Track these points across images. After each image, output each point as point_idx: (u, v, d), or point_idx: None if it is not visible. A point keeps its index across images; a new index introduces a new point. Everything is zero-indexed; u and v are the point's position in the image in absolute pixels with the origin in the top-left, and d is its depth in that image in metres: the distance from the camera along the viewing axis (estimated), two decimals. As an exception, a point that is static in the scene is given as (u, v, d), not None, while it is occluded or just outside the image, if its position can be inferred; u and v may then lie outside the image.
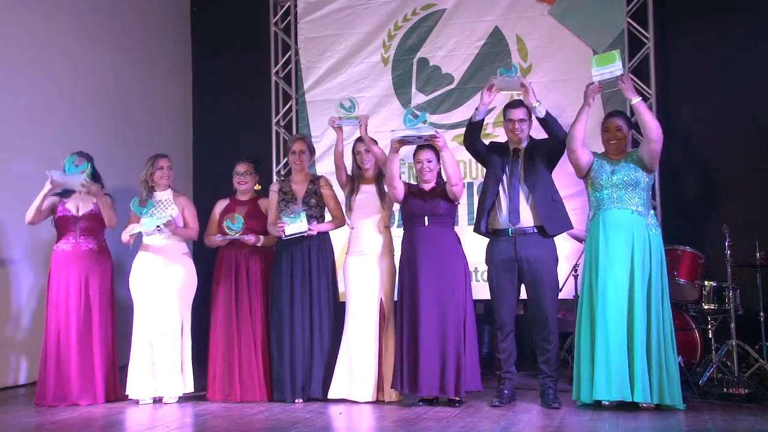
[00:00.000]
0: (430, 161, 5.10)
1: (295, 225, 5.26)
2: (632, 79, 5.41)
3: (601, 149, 5.06)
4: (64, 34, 6.61)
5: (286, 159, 6.18)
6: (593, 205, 4.96)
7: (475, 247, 5.39)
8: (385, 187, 5.29)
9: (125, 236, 5.36)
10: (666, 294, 4.81)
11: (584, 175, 5.00)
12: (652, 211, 4.94)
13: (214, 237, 5.49)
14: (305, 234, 5.27)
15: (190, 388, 5.40)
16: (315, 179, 5.55)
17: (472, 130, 5.11)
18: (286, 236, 5.27)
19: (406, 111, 5.29)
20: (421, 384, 4.92)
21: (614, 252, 4.78)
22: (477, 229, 5.14)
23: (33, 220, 5.39)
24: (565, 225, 5.08)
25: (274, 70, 7.58)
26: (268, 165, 7.27)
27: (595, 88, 4.81)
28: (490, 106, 5.13)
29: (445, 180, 5.08)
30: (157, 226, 5.34)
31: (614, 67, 4.75)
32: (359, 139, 5.49)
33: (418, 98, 7.09)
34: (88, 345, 5.31)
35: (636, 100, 4.81)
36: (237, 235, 5.37)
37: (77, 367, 5.27)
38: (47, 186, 5.27)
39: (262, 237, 5.47)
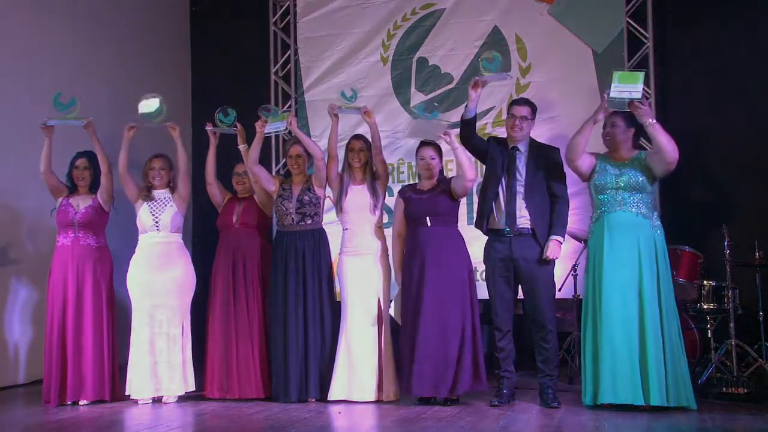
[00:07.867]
0: (433, 158, 5.14)
1: (275, 123, 5.36)
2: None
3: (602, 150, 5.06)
4: (62, 35, 6.60)
5: (284, 160, 6.17)
6: (597, 207, 4.94)
7: (476, 247, 5.38)
8: (378, 186, 5.31)
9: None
10: (672, 295, 4.78)
11: (587, 178, 5.00)
12: (656, 213, 4.92)
13: (207, 127, 5.55)
14: (283, 131, 5.42)
15: (191, 387, 5.40)
16: (309, 177, 5.54)
17: (466, 127, 5.10)
18: (265, 133, 5.38)
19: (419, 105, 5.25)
20: (419, 384, 4.92)
21: (621, 254, 4.75)
22: (479, 227, 5.15)
23: (44, 170, 5.39)
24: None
25: (273, 70, 7.59)
26: (267, 165, 7.26)
27: (605, 109, 4.74)
28: (487, 105, 5.14)
29: (456, 176, 5.07)
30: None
31: (634, 88, 4.63)
32: (355, 137, 5.48)
33: (417, 98, 7.09)
34: (81, 342, 5.29)
35: (651, 121, 4.72)
36: (228, 128, 5.46)
37: (72, 364, 5.25)
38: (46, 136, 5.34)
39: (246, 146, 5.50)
